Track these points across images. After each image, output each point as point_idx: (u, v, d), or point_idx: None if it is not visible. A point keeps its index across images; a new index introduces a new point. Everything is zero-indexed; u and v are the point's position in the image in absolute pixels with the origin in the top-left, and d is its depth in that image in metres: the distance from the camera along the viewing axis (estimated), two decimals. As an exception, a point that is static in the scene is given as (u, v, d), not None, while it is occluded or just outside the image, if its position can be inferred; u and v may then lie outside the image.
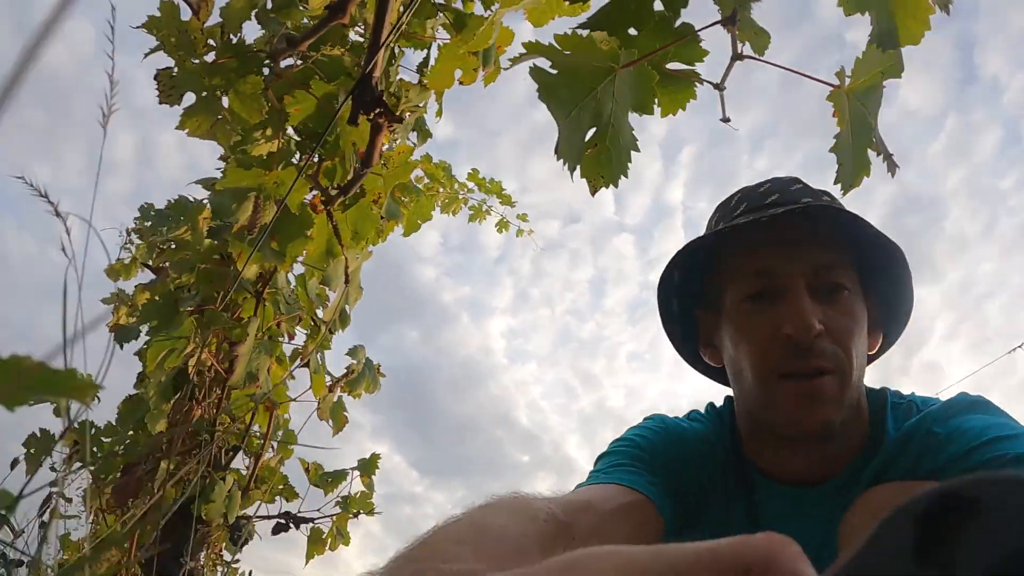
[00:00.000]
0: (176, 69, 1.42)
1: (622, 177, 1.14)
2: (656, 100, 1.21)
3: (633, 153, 1.15)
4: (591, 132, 1.12)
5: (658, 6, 1.11)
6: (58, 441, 1.94)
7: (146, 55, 1.43)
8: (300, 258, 2.11)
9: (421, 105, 2.23)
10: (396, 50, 1.95)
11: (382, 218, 1.93)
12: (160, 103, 1.36)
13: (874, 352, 1.24)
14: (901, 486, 1.06)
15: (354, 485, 2.42)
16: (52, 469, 1.91)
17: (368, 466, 2.29)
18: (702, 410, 1.36)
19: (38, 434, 1.88)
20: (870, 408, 1.19)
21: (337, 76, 1.67)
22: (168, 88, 1.36)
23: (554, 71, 1.09)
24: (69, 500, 1.94)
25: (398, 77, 2.12)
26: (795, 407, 1.09)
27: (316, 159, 1.77)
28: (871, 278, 1.20)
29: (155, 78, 1.43)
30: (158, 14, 1.40)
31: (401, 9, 1.72)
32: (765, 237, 1.14)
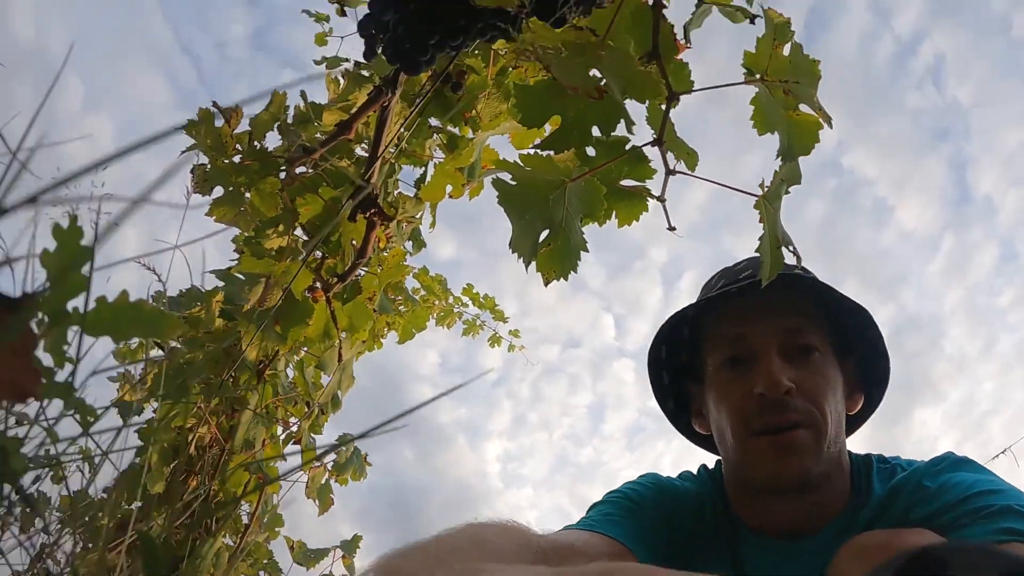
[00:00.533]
0: (209, 166, 1.71)
1: (572, 272, 1.27)
2: (614, 212, 1.42)
3: (585, 260, 1.29)
4: (544, 233, 1.25)
5: (596, 132, 1.29)
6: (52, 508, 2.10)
7: (183, 152, 1.73)
8: (301, 351, 2.35)
9: (417, 216, 2.51)
10: (396, 166, 2.23)
11: (375, 311, 2.17)
12: (194, 192, 1.64)
13: (855, 413, 1.30)
14: (889, 532, 1.08)
15: (337, 568, 2.56)
16: (44, 531, 2.04)
17: (350, 547, 2.44)
18: (695, 471, 1.41)
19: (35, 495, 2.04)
20: (855, 467, 1.25)
21: (343, 183, 1.94)
22: (202, 181, 1.64)
23: (513, 183, 1.23)
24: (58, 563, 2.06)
25: (397, 191, 2.40)
26: (772, 459, 1.15)
27: (320, 255, 2.03)
28: (846, 342, 1.28)
29: (191, 171, 1.72)
30: (196, 118, 1.71)
31: (401, 130, 2.01)
32: (738, 306, 1.25)
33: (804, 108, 1.14)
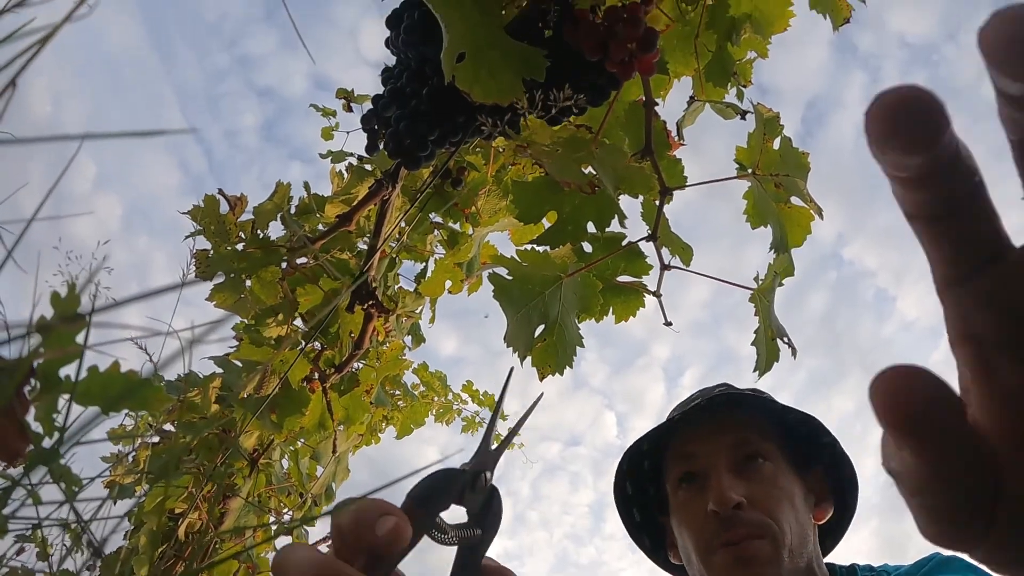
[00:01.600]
0: (212, 252, 1.74)
1: (567, 367, 1.28)
2: (611, 308, 1.43)
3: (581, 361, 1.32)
4: (540, 328, 1.26)
5: (592, 228, 1.25)
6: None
7: (187, 236, 1.76)
8: (297, 441, 2.35)
9: (417, 311, 2.53)
10: (397, 260, 2.27)
11: (371, 403, 2.18)
12: (196, 277, 1.66)
13: (828, 522, 1.28)
14: None
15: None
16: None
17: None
18: None
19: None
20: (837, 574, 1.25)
21: (343, 275, 1.97)
22: (204, 266, 1.66)
23: (510, 277, 1.25)
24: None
25: (397, 285, 2.44)
26: (732, 571, 1.14)
27: (319, 346, 2.05)
28: (801, 453, 1.27)
29: (194, 256, 1.75)
30: (201, 204, 1.76)
31: (402, 224, 2.05)
32: (688, 430, 1.26)
33: (796, 201, 1.17)
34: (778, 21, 1.07)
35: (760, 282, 1.22)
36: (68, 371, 0.54)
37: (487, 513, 0.61)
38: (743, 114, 1.23)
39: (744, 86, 1.21)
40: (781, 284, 1.23)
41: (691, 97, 1.24)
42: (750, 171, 1.14)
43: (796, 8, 1.07)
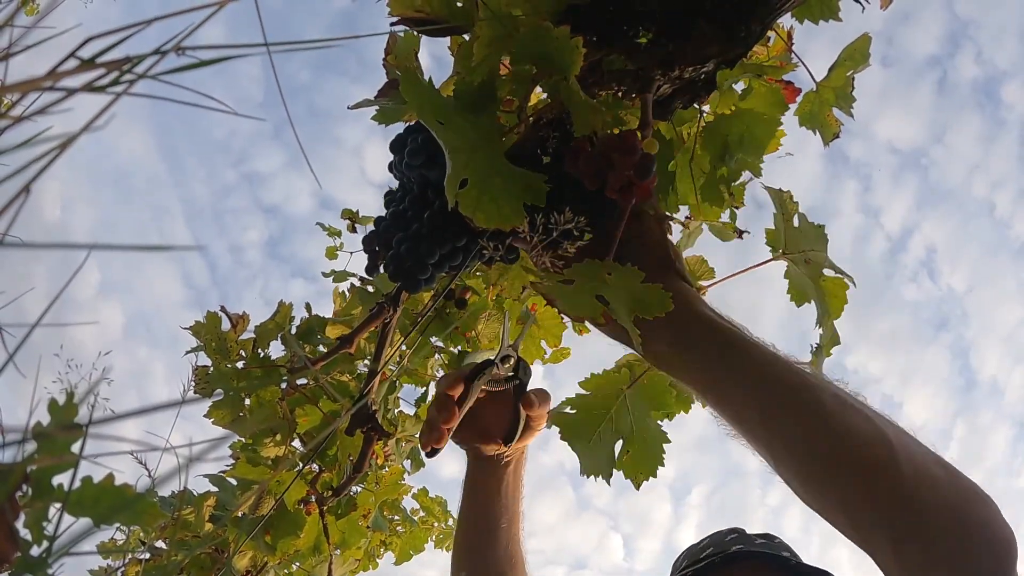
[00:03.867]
0: (211, 369, 1.75)
1: (660, 467, 1.25)
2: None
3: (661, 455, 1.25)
4: (619, 443, 1.24)
5: None
6: None
7: (188, 352, 1.78)
8: (292, 565, 2.30)
9: (416, 435, 2.52)
10: (397, 383, 2.27)
11: (368, 528, 2.14)
12: (195, 393, 1.67)
13: None
14: None
15: None
16: None
17: None
18: None
19: None
20: None
21: (343, 397, 1.97)
22: (203, 382, 1.67)
23: (573, 412, 1.24)
24: None
25: (398, 408, 2.43)
26: None
27: (316, 468, 2.03)
28: None
29: (194, 372, 1.76)
30: (202, 320, 1.78)
31: (403, 347, 2.06)
32: None
33: (827, 272, 1.17)
34: (770, 141, 1.10)
35: (813, 354, 1.19)
36: (62, 480, 0.54)
37: (520, 369, 1.25)
38: (740, 233, 1.25)
39: (737, 207, 1.23)
40: (829, 355, 1.21)
41: (686, 217, 1.26)
42: (780, 251, 1.15)
43: (787, 126, 1.11)
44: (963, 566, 0.83)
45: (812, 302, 1.17)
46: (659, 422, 1.26)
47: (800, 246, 1.15)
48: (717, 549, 1.26)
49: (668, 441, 1.25)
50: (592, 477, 1.23)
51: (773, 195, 1.14)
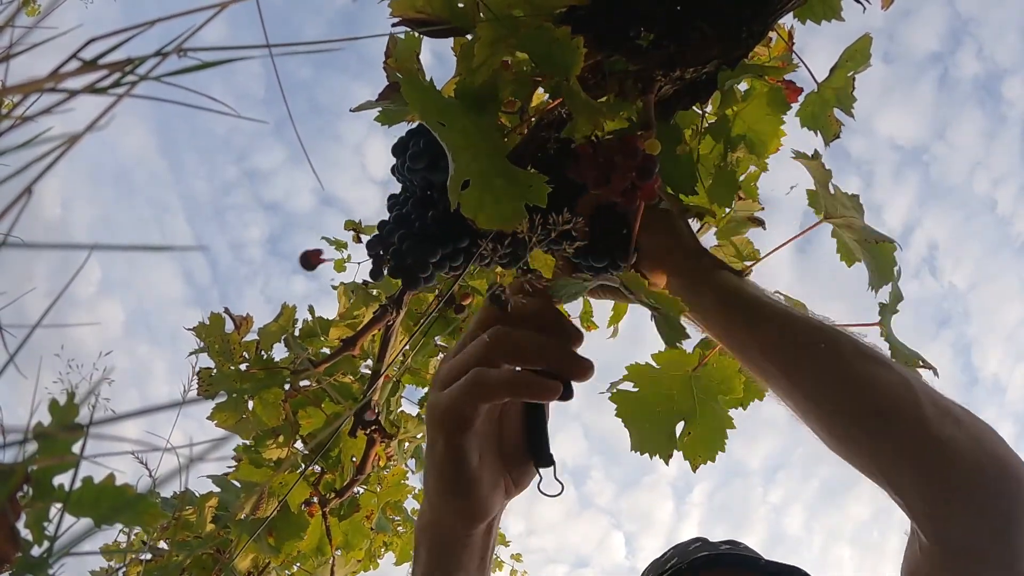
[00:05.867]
0: (215, 370, 1.75)
1: (720, 452, 1.22)
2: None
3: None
4: (680, 425, 1.22)
5: None
6: None
7: (191, 353, 1.78)
8: (294, 566, 2.30)
9: (419, 436, 2.52)
10: (400, 384, 2.27)
11: (372, 529, 2.15)
12: (198, 395, 1.67)
13: None
14: None
15: None
16: None
17: None
18: None
19: None
20: None
21: (346, 399, 1.97)
22: (207, 384, 1.68)
23: (636, 389, 1.21)
24: None
25: (400, 409, 2.43)
26: None
27: (319, 469, 2.04)
28: None
29: (197, 374, 1.76)
30: (207, 321, 1.79)
31: (406, 348, 2.06)
32: None
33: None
34: (773, 141, 1.10)
35: (881, 314, 1.17)
36: (63, 480, 0.54)
37: None
38: (759, 223, 1.25)
39: (758, 212, 1.23)
40: (896, 311, 1.19)
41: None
42: (823, 215, 1.14)
43: (787, 126, 1.11)
44: (986, 498, 0.87)
45: (862, 263, 1.16)
46: (728, 410, 1.23)
47: (839, 211, 1.14)
48: (682, 559, 1.25)
49: (733, 427, 1.22)
50: (646, 455, 1.21)
51: (805, 163, 1.13)
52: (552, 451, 0.86)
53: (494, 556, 0.92)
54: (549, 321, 0.86)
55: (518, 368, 0.82)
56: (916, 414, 0.89)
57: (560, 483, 0.86)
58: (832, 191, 1.14)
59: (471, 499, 0.82)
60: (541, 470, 0.87)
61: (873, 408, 0.91)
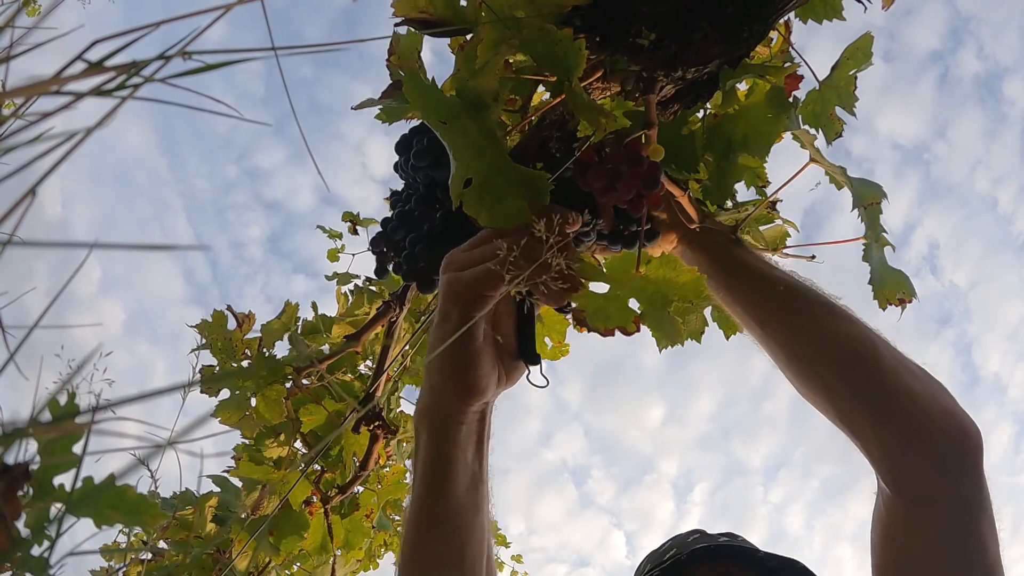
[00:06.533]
0: (217, 368, 1.76)
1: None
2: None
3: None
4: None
5: None
6: None
7: (192, 351, 1.79)
8: (293, 565, 2.30)
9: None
10: (399, 383, 2.27)
11: (372, 527, 2.14)
12: (200, 392, 1.68)
13: None
14: None
15: None
16: None
17: None
18: None
19: None
20: None
21: (348, 396, 1.97)
22: (209, 382, 1.68)
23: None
24: None
25: (399, 409, 2.43)
26: None
27: (319, 468, 2.04)
28: None
29: (200, 372, 1.77)
30: (209, 319, 1.80)
31: (407, 347, 2.06)
32: None
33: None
34: (774, 140, 1.10)
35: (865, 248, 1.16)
36: (64, 479, 0.54)
37: None
38: (774, 204, 1.26)
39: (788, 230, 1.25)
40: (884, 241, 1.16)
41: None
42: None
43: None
44: (941, 446, 0.95)
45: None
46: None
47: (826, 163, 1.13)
48: (681, 549, 1.25)
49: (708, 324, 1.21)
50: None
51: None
52: (538, 352, 0.96)
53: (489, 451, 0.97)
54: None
55: None
56: (875, 364, 0.98)
57: (546, 378, 0.98)
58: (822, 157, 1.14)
59: (471, 374, 0.87)
60: (530, 367, 0.96)
61: (835, 356, 1.01)
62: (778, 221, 1.31)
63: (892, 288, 1.13)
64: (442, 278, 0.88)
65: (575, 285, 0.83)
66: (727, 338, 1.29)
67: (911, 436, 0.95)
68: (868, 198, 1.13)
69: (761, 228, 1.30)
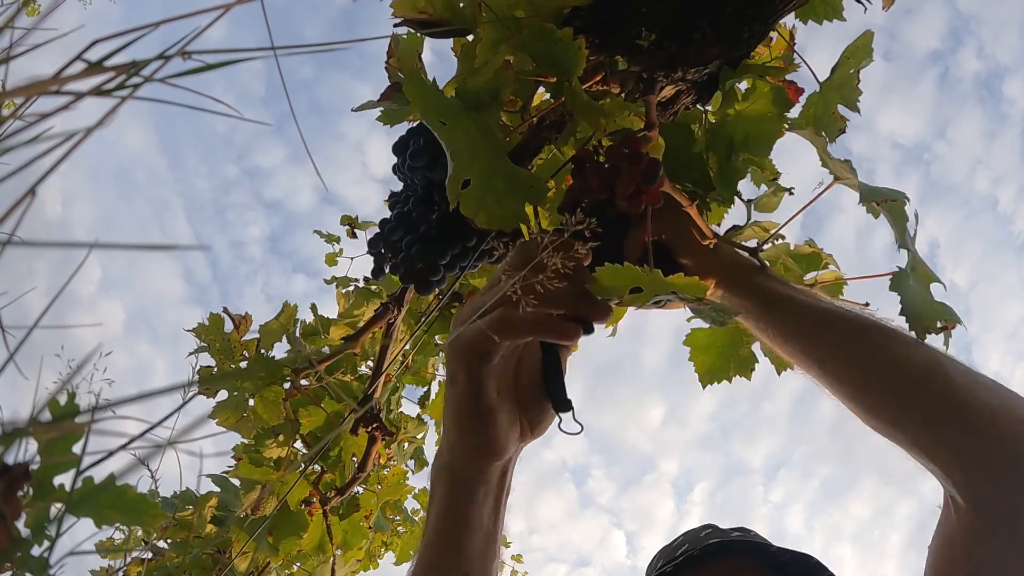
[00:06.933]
0: (216, 369, 1.76)
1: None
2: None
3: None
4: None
5: None
6: None
7: (191, 353, 1.79)
8: (293, 565, 2.30)
9: (419, 436, 2.52)
10: (400, 384, 2.27)
11: (371, 528, 2.15)
12: (198, 394, 1.68)
13: None
14: None
15: None
16: None
17: None
18: None
19: None
20: None
21: (347, 397, 1.97)
22: (208, 383, 1.68)
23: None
24: None
25: (400, 409, 2.43)
26: None
27: (319, 468, 2.04)
28: None
29: (198, 373, 1.77)
30: (206, 322, 1.80)
31: (406, 347, 2.06)
32: None
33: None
34: (775, 140, 1.09)
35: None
36: (64, 479, 0.54)
37: None
38: (788, 191, 1.25)
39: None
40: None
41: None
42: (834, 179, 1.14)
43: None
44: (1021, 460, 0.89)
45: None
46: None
47: (843, 175, 1.13)
48: (693, 545, 1.25)
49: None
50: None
51: (800, 133, 1.12)
52: (569, 397, 0.90)
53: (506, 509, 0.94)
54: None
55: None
56: (946, 382, 0.93)
57: (580, 424, 0.90)
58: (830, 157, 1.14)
59: (488, 434, 0.84)
60: (560, 414, 0.90)
61: (903, 380, 0.95)
62: (830, 267, 1.30)
63: (931, 316, 1.08)
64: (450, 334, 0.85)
65: (605, 312, 0.83)
66: (778, 373, 1.29)
67: (994, 453, 0.90)
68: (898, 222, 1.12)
69: (813, 274, 1.30)
